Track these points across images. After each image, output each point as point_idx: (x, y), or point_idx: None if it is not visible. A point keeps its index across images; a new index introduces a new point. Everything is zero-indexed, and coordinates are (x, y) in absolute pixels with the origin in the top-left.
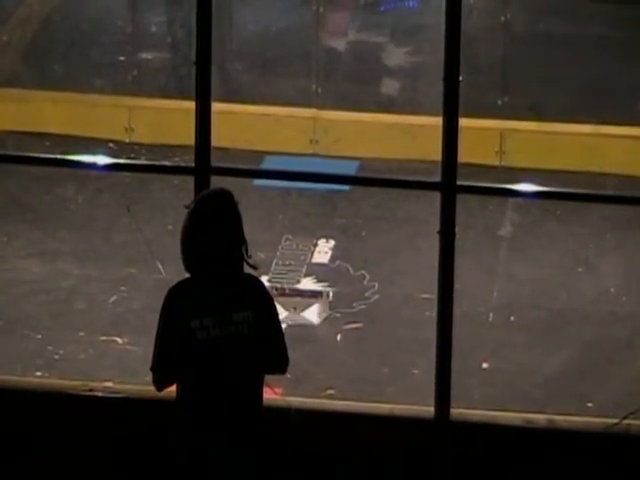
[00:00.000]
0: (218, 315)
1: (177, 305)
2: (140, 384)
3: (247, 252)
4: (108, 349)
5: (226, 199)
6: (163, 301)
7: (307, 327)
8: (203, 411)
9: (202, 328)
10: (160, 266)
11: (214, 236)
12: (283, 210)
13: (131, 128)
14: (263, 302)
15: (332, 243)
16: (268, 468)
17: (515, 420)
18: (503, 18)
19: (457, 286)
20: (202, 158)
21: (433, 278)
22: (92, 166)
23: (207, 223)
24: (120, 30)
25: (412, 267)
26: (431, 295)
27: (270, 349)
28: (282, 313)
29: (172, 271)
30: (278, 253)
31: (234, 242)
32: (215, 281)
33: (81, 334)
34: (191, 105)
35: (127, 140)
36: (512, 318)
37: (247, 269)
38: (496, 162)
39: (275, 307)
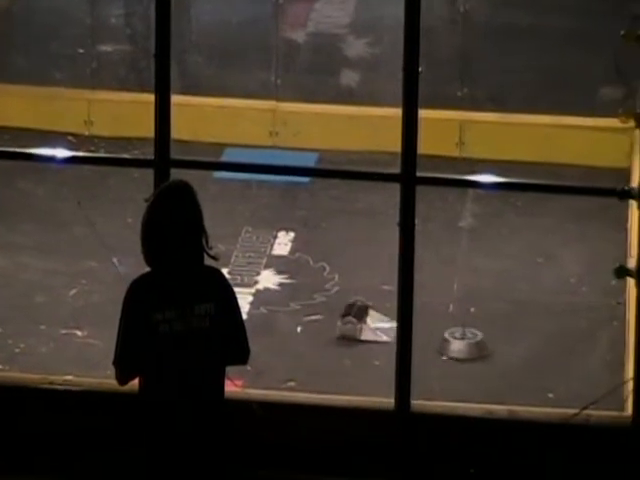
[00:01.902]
0: (180, 308)
1: (139, 299)
2: (100, 377)
3: (207, 243)
4: (69, 342)
5: (185, 191)
6: (125, 295)
7: (267, 319)
8: (166, 404)
9: (164, 321)
10: (116, 261)
11: (174, 229)
12: (243, 202)
13: (90, 121)
14: (224, 294)
15: (292, 235)
16: (231, 460)
17: (476, 411)
18: (462, 9)
19: (417, 278)
20: (162, 151)
21: (393, 270)
22: (52, 159)
23: (166, 216)
24: (79, 23)
25: (372, 259)
26: (391, 287)
27: (231, 340)
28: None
29: (132, 264)
30: (238, 245)
31: (194, 234)
32: (176, 274)
33: (42, 327)
34: (151, 98)
35: (87, 133)
36: (472, 309)
37: (208, 260)
38: (456, 153)
39: (236, 299)
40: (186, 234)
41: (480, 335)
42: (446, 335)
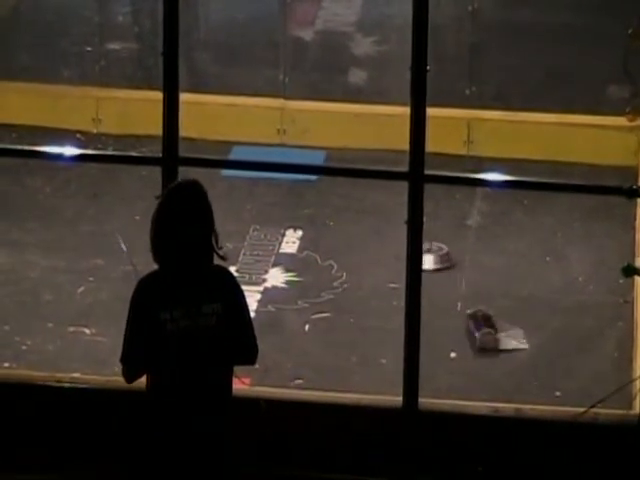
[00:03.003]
0: (187, 307)
1: (147, 297)
2: (108, 375)
3: (217, 243)
4: (76, 340)
5: (197, 190)
6: (133, 293)
7: (274, 317)
8: (173, 403)
9: (172, 320)
10: (133, 263)
11: (184, 228)
12: (251, 200)
13: (99, 119)
14: (232, 294)
15: (300, 233)
16: (238, 458)
17: (483, 409)
18: (470, 7)
19: (425, 275)
20: (169, 148)
21: (401, 268)
22: (60, 157)
23: (177, 215)
24: (87, 21)
25: (380, 257)
26: (399, 285)
27: (239, 340)
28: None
29: (139, 262)
30: (246, 243)
31: (204, 233)
32: (185, 273)
33: (49, 325)
34: (159, 96)
35: (95, 131)
36: (480, 307)
37: (217, 261)
38: (463, 151)
39: (245, 299)
40: (196, 233)
41: (445, 248)
42: None
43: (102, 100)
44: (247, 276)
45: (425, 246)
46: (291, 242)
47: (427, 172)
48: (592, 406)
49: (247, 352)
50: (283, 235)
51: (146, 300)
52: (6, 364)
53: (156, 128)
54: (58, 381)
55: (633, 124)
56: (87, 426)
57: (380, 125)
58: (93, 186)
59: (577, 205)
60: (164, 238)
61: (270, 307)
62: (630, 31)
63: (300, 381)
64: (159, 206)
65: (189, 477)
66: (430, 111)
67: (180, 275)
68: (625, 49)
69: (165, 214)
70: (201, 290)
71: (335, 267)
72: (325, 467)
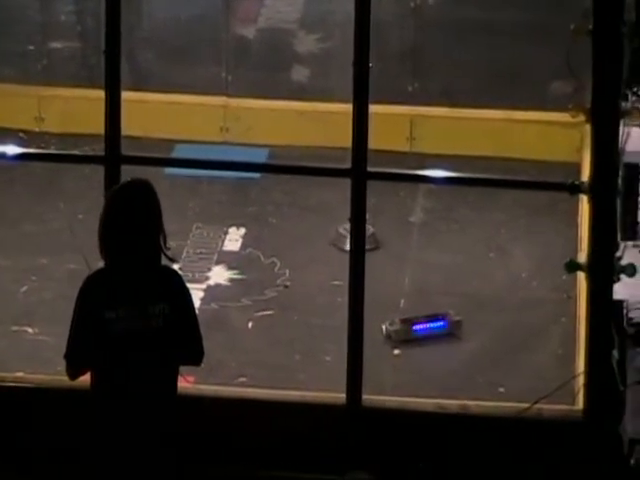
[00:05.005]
0: (133, 306)
1: (92, 295)
2: (52, 374)
3: (165, 244)
4: (19, 339)
5: (146, 189)
6: (79, 290)
7: (218, 314)
8: (117, 402)
9: (117, 319)
10: (86, 259)
11: (131, 227)
12: (194, 198)
13: (41, 118)
14: (179, 294)
15: (243, 231)
16: (183, 458)
17: (427, 406)
18: (413, 4)
19: (368, 273)
20: (112, 147)
21: (344, 265)
22: (2, 156)
23: (125, 212)
24: (30, 19)
25: (323, 254)
26: (342, 282)
27: (185, 341)
28: None
29: (82, 261)
30: (189, 241)
31: (151, 233)
32: (132, 272)
33: None
34: (101, 94)
35: (37, 130)
36: (424, 304)
37: (164, 261)
38: (407, 148)
39: (191, 299)
40: (143, 233)
41: (371, 229)
42: (340, 230)
43: (45, 99)
44: (190, 274)
45: (349, 227)
46: (234, 240)
47: (370, 169)
48: (536, 402)
49: (193, 353)
50: (226, 233)
51: (92, 298)
52: None
53: (99, 127)
54: (2, 380)
55: (576, 120)
56: (31, 425)
57: (323, 122)
58: (36, 185)
59: (521, 201)
60: (111, 235)
61: (213, 305)
62: (573, 27)
63: (244, 379)
64: (108, 203)
65: (135, 477)
66: (373, 108)
67: (127, 274)
68: (568, 45)
69: (113, 211)
70: (148, 290)
71: (278, 264)
72: (269, 465)
